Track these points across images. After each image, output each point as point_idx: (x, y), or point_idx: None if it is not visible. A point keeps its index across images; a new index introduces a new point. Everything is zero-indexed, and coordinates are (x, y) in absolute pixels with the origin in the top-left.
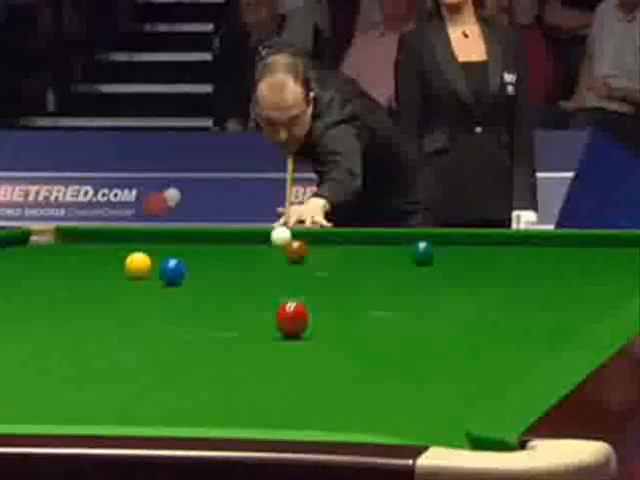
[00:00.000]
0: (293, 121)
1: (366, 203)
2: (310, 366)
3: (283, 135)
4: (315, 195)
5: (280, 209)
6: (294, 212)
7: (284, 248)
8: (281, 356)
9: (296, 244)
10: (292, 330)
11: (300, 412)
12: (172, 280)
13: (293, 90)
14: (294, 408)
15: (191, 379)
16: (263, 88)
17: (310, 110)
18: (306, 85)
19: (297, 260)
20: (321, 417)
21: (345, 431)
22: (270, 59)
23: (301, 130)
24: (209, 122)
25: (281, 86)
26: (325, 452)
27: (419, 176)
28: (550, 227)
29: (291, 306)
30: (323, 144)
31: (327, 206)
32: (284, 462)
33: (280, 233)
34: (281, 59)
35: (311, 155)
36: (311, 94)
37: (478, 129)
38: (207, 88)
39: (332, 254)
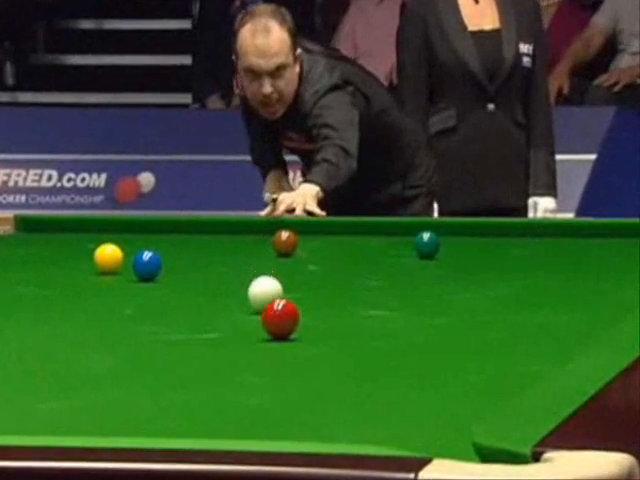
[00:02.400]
0: (279, 72)
1: (361, 187)
2: (301, 370)
3: (268, 88)
4: (307, 181)
5: (267, 196)
6: (284, 200)
7: (262, 301)
8: (268, 359)
9: (285, 235)
10: (281, 331)
11: (290, 421)
12: (146, 275)
13: (279, 35)
14: (284, 417)
15: (168, 385)
16: (245, 33)
17: (297, 69)
18: (293, 36)
19: (286, 252)
20: (314, 427)
21: (340, 442)
22: (252, 7)
23: (287, 86)
24: (188, 98)
25: (266, 30)
26: (318, 465)
27: (422, 157)
28: (570, 215)
29: (279, 304)
30: (315, 115)
31: (320, 193)
32: (274, 476)
33: (261, 286)
34: (265, 6)
35: (301, 129)
36: (298, 50)
37: (491, 106)
38: (186, 60)
39: (325, 246)
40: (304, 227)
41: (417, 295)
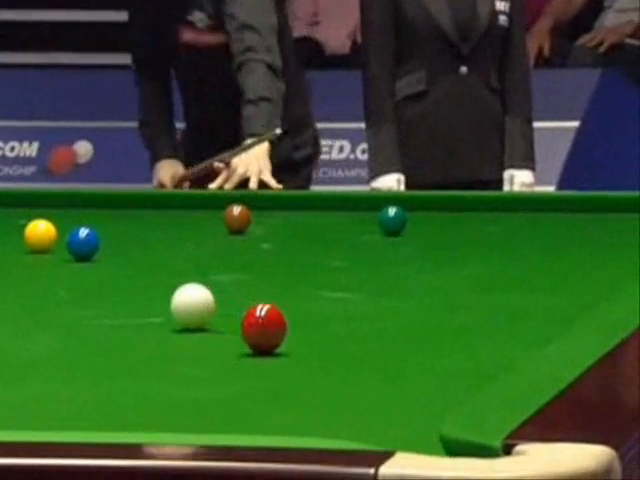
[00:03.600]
0: None
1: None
2: (252, 359)
3: None
4: (252, 135)
5: (216, 164)
6: (237, 167)
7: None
8: (216, 347)
9: (237, 209)
10: (264, 345)
11: (240, 415)
12: (82, 253)
13: None
14: (232, 410)
15: (106, 375)
16: None
17: None
18: None
19: (239, 229)
20: (265, 420)
21: (295, 435)
22: None
23: None
24: (128, 58)
25: None
26: (270, 460)
27: (311, 117)
28: (550, 189)
29: (262, 309)
30: (232, 1)
31: (270, 149)
32: (222, 472)
33: (188, 295)
34: None
35: (213, 8)
36: None
37: (463, 69)
38: (125, 15)
39: (281, 222)
40: (258, 201)
41: (382, 275)
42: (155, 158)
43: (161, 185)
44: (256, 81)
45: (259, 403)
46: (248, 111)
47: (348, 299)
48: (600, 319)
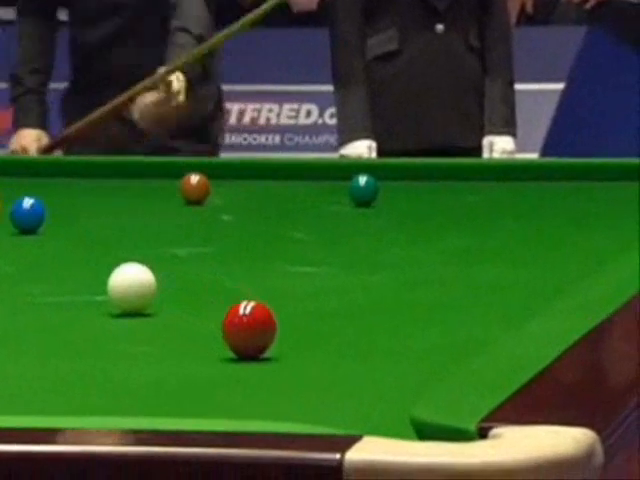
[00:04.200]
0: None
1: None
2: (210, 338)
3: None
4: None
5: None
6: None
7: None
8: (168, 327)
9: (195, 178)
10: (249, 348)
11: (195, 397)
12: (27, 225)
13: None
14: (186, 392)
15: (50, 354)
16: None
17: None
18: None
19: (197, 199)
20: (222, 403)
21: (254, 418)
22: None
23: None
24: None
25: None
26: (226, 445)
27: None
28: (533, 156)
29: (247, 307)
30: None
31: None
32: (177, 457)
33: (125, 275)
34: None
35: None
36: None
37: (440, 26)
38: None
39: (242, 192)
40: (218, 170)
41: (352, 249)
42: (21, 124)
43: (23, 150)
44: (190, 8)
45: (216, 385)
46: (181, 39)
47: (315, 273)
48: (585, 294)
